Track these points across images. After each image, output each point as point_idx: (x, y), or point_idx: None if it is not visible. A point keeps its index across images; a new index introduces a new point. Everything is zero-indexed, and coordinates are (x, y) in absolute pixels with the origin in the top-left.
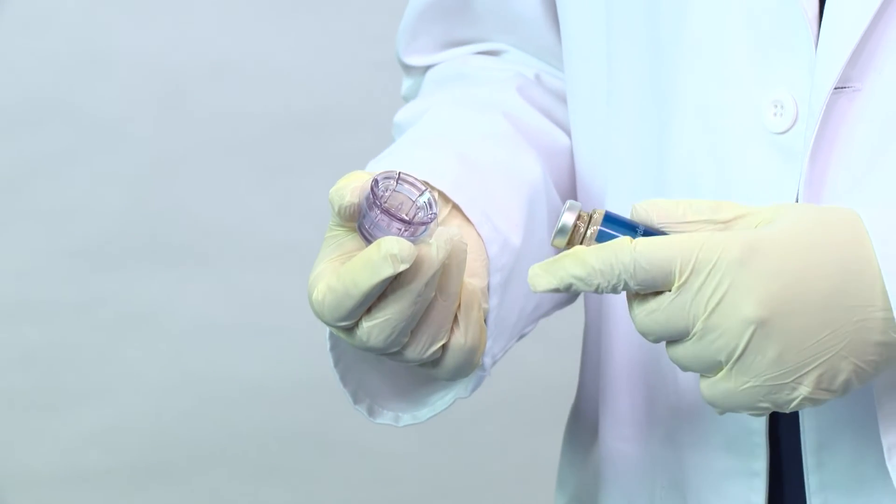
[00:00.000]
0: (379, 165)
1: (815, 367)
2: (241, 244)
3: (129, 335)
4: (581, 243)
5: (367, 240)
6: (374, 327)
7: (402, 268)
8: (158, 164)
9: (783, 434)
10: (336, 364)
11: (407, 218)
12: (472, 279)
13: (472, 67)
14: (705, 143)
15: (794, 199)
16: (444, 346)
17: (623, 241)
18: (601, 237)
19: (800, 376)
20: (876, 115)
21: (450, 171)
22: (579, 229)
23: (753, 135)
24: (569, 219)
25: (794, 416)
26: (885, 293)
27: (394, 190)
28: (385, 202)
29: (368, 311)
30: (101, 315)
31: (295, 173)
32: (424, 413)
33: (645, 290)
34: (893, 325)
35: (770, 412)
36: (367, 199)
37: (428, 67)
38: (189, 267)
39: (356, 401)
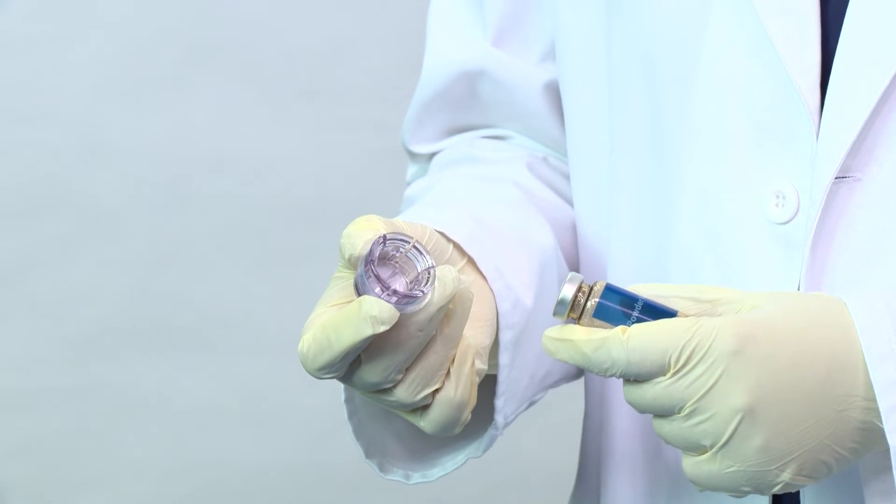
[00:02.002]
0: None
1: (799, 454)
2: (241, 331)
3: (129, 423)
4: (581, 316)
5: (358, 293)
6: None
7: (382, 329)
8: (159, 252)
9: None
10: (350, 417)
11: (396, 287)
12: (472, 335)
13: (479, 149)
14: (706, 232)
15: (796, 288)
16: (433, 396)
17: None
18: (600, 309)
19: (783, 463)
20: (876, 205)
21: (464, 226)
22: (579, 301)
23: (755, 225)
24: (569, 291)
25: (796, 502)
26: (866, 382)
27: (405, 254)
28: (378, 266)
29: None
30: (101, 403)
31: (296, 261)
32: (435, 472)
33: (639, 380)
34: (876, 413)
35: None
36: (366, 255)
37: (434, 154)
38: (189, 354)
39: (368, 455)
